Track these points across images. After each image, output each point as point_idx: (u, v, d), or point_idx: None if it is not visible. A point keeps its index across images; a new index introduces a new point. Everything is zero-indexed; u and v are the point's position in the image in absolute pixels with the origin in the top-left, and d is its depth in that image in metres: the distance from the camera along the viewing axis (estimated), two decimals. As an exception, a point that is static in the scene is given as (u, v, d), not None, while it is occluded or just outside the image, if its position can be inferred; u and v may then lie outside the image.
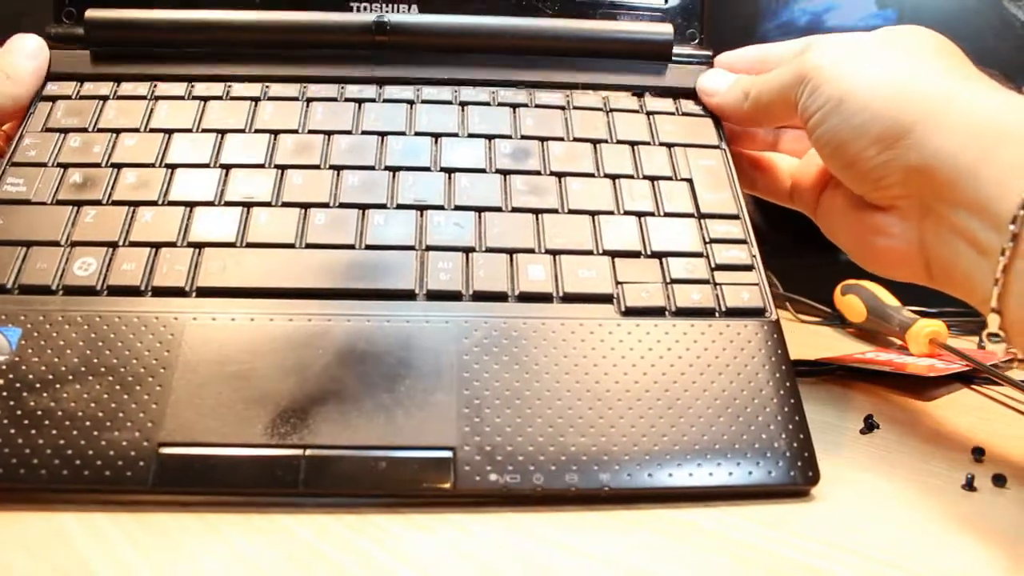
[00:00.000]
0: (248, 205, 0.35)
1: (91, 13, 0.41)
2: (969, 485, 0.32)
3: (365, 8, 0.42)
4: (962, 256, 0.31)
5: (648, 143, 0.40)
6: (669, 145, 0.40)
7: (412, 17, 0.42)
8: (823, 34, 0.37)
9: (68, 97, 0.39)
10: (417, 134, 0.39)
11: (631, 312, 0.34)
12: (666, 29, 0.43)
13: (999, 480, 0.32)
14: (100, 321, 0.32)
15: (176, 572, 0.25)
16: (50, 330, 0.31)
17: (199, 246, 0.34)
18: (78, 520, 0.27)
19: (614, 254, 0.35)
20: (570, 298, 0.34)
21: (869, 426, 0.37)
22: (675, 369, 0.32)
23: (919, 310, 0.52)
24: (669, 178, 0.38)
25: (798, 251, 0.56)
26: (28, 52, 0.39)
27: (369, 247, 0.34)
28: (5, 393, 0.30)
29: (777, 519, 0.29)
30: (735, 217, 0.37)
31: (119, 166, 0.37)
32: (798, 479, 0.30)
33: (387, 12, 0.42)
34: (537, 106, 0.41)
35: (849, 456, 0.35)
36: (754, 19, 0.40)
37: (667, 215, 0.37)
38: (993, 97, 0.31)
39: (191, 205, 0.35)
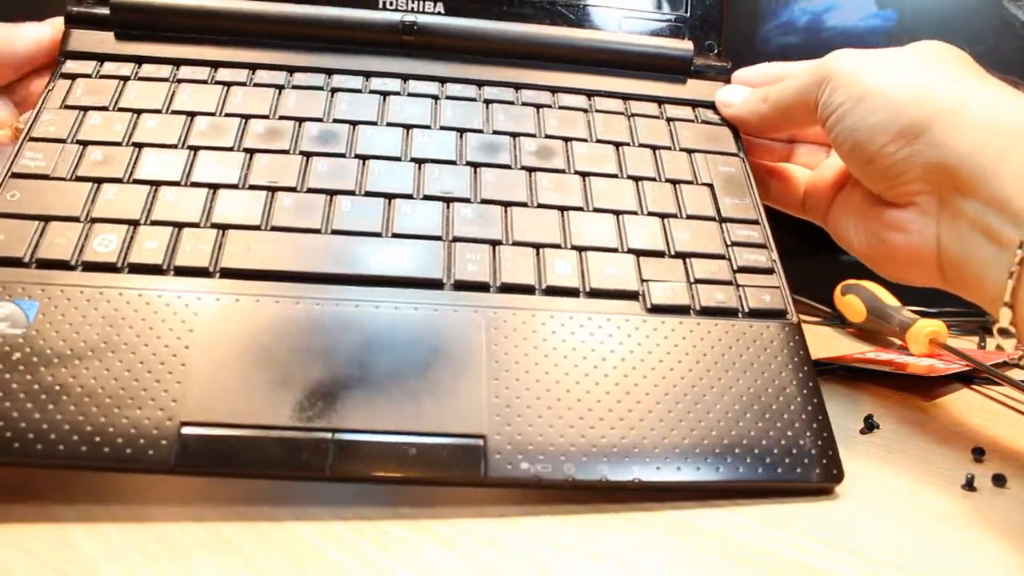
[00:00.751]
0: (273, 189, 0.35)
1: (118, -1, 0.41)
2: (969, 485, 0.32)
3: (392, 5, 0.42)
4: (978, 250, 0.32)
5: (669, 148, 0.40)
6: (689, 151, 0.40)
7: (439, 19, 0.42)
8: (825, 35, 0.38)
9: (88, 76, 0.38)
10: (443, 128, 0.39)
11: (656, 309, 0.34)
12: (686, 46, 0.44)
13: (999, 480, 0.32)
14: (121, 297, 0.31)
15: (177, 571, 0.24)
16: (69, 304, 0.30)
17: (223, 228, 0.33)
18: (83, 529, 0.26)
19: (639, 253, 0.35)
20: (596, 293, 0.34)
21: (869, 426, 0.37)
22: (700, 367, 0.32)
23: (919, 310, 0.52)
24: (690, 182, 0.39)
25: (798, 252, 0.56)
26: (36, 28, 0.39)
27: (396, 235, 0.34)
28: (22, 366, 0.29)
29: (778, 519, 0.29)
30: (755, 222, 0.38)
31: (140, 145, 0.36)
32: (823, 477, 0.30)
33: (414, 12, 0.42)
34: (560, 107, 0.41)
35: (849, 456, 0.34)
36: (755, 19, 0.41)
37: (689, 217, 0.37)
38: (1009, 100, 0.32)
39: (214, 187, 0.35)
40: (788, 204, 0.43)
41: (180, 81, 0.39)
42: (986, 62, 0.34)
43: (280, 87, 0.39)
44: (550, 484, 0.29)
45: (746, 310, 0.34)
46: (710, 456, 0.30)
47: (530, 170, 0.38)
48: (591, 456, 0.29)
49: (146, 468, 0.27)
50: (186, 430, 0.28)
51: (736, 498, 0.30)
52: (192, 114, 0.37)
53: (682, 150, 0.40)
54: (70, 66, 0.39)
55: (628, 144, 0.40)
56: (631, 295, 0.34)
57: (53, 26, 0.40)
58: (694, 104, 0.43)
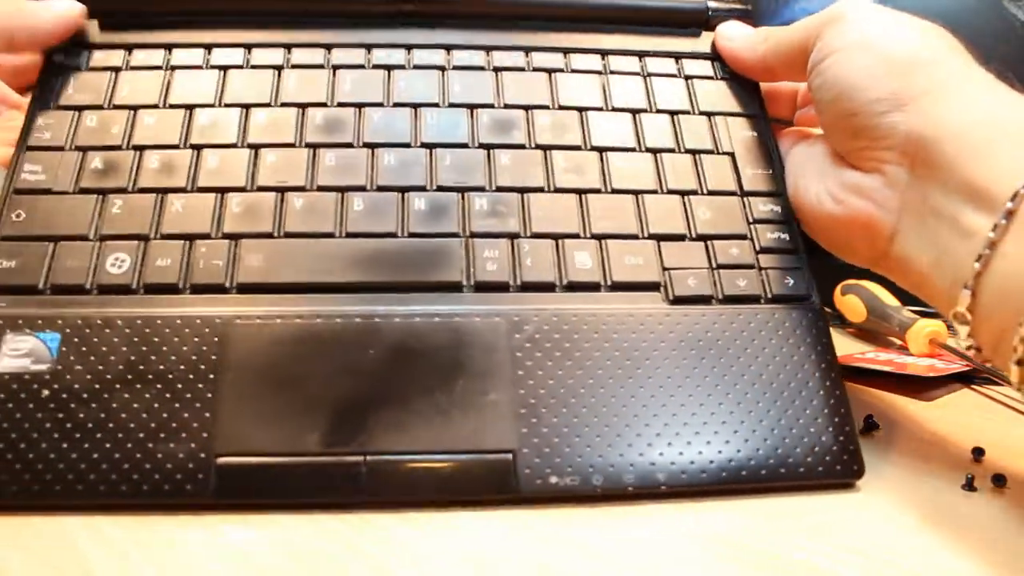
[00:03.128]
0: (282, 190, 0.34)
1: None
2: (969, 485, 0.32)
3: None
4: (938, 239, 0.31)
5: (688, 112, 0.38)
6: (709, 114, 0.38)
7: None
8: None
9: (77, 69, 0.36)
10: (451, 105, 0.37)
11: (679, 301, 0.33)
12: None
13: (999, 480, 0.32)
14: (141, 324, 0.31)
15: (177, 571, 0.25)
16: (90, 335, 0.30)
17: (235, 237, 0.33)
18: (80, 525, 0.27)
19: (659, 237, 0.35)
20: (618, 287, 0.33)
21: (869, 426, 0.37)
22: (725, 362, 0.32)
23: (919, 310, 0.51)
24: (711, 151, 0.37)
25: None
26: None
27: (412, 235, 0.33)
28: (52, 404, 0.29)
29: (777, 518, 0.29)
30: (778, 195, 0.36)
31: (141, 148, 0.34)
32: (844, 473, 0.31)
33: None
34: (573, 71, 0.39)
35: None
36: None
37: (710, 193, 0.36)
38: (1006, 90, 0.31)
39: (222, 192, 0.34)
40: None
41: (174, 68, 0.37)
42: (986, 62, 0.33)
43: (279, 68, 0.37)
44: (579, 496, 0.29)
45: (769, 295, 0.34)
46: (734, 457, 0.30)
47: (545, 148, 0.36)
48: (618, 465, 0.30)
49: (187, 503, 0.28)
50: (221, 461, 0.28)
51: (780, 492, 0.30)
52: (191, 107, 0.36)
53: (701, 113, 0.38)
54: (57, 59, 0.37)
55: (645, 111, 0.38)
56: (653, 286, 0.34)
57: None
58: (713, 58, 0.40)
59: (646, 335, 0.32)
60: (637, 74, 0.39)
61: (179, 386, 0.29)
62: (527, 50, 0.39)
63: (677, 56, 0.40)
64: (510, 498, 0.29)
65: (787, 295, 0.34)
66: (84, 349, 0.30)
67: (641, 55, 0.40)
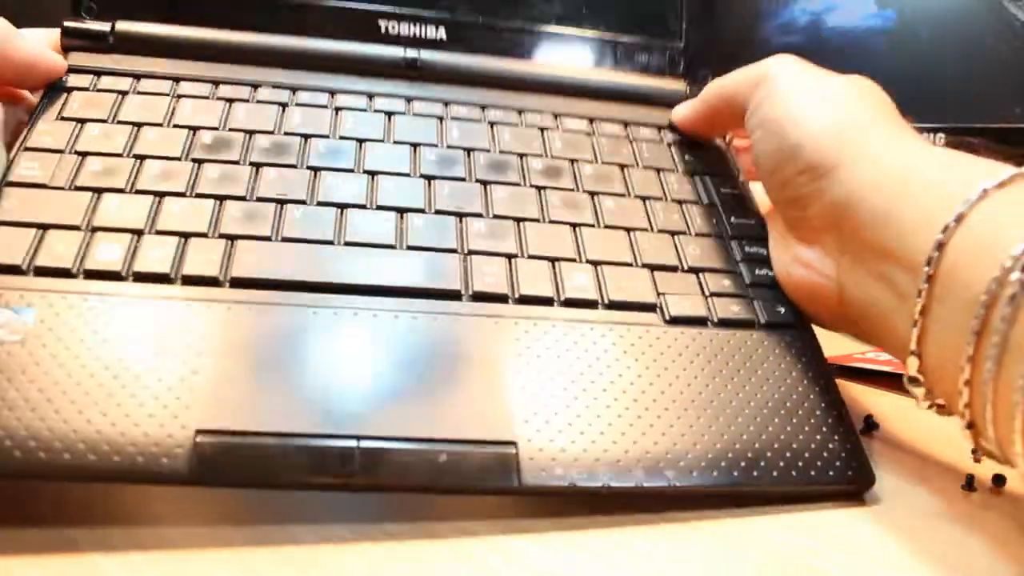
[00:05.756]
0: (282, 202, 0.34)
1: (123, 26, 0.40)
2: (969, 485, 0.31)
3: (394, 28, 0.43)
4: (880, 302, 0.31)
5: (673, 170, 0.41)
6: (692, 173, 0.41)
7: (441, 56, 0.43)
8: (825, 35, 0.37)
9: (85, 89, 0.37)
10: (450, 147, 0.39)
11: (676, 321, 0.33)
12: (679, 85, 0.45)
13: (999, 480, 0.32)
14: (127, 304, 0.29)
15: (175, 571, 0.24)
16: (72, 311, 0.29)
17: (232, 238, 0.32)
18: (84, 533, 0.25)
19: (653, 267, 0.35)
20: (615, 305, 0.33)
21: (869, 426, 0.37)
22: (724, 376, 0.32)
23: None
24: (696, 202, 0.39)
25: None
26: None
27: (411, 248, 0.33)
28: (23, 373, 0.27)
29: (776, 518, 0.29)
30: (763, 240, 0.38)
31: (142, 157, 0.35)
32: (855, 480, 0.30)
33: (416, 45, 0.43)
34: (564, 131, 0.41)
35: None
36: (755, 19, 0.41)
37: (699, 235, 0.37)
38: (911, 145, 0.32)
39: (221, 199, 0.34)
40: None
41: (181, 96, 0.38)
42: (986, 62, 0.33)
43: (284, 105, 0.39)
44: (585, 491, 0.28)
45: (762, 322, 0.34)
46: (745, 461, 0.29)
47: (540, 188, 0.38)
48: (625, 460, 0.28)
49: (159, 479, 0.25)
50: (201, 439, 0.26)
51: (792, 500, 0.29)
52: (195, 128, 0.36)
53: (685, 173, 0.41)
54: (63, 81, 0.37)
55: (633, 166, 0.40)
56: (649, 307, 0.34)
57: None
58: None
59: (644, 348, 0.32)
60: (623, 138, 0.42)
61: (163, 362, 0.28)
62: (520, 111, 0.42)
63: (659, 127, 0.43)
64: (512, 489, 0.27)
65: (779, 323, 0.34)
66: (64, 323, 0.28)
67: (626, 124, 0.43)
